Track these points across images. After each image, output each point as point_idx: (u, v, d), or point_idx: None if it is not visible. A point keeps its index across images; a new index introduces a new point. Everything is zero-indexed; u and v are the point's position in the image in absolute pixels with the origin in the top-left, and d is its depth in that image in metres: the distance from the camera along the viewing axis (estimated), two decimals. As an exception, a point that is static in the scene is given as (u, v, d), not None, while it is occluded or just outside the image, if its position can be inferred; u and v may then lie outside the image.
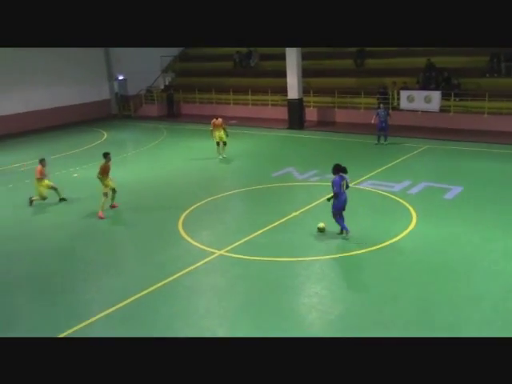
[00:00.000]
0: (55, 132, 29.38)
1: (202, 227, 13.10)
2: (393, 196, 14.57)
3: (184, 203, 14.81)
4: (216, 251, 11.39)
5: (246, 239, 11.96)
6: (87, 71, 33.12)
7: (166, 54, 35.56)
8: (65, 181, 16.17)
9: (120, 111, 34.98)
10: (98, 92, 34.37)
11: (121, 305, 9.28)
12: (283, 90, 27.34)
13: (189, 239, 12.19)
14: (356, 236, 11.85)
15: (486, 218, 12.57)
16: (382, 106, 21.98)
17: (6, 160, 21.78)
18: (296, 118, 26.42)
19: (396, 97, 25.95)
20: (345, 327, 8.33)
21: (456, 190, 14.83)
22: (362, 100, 26.86)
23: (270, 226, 12.64)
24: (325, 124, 27.25)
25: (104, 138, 26.94)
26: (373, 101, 26.12)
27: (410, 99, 25.08)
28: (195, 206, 14.63)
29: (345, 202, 11.59)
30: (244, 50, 33.21)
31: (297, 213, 13.41)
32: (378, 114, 21.54)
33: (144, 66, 33.72)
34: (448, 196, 14.42)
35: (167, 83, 36.46)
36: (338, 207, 11.58)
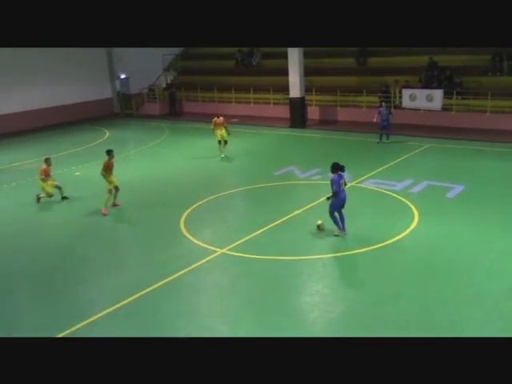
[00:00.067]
0: (57, 131, 29.41)
1: (204, 226, 13.12)
2: (394, 195, 14.56)
3: (186, 202, 14.83)
4: (218, 250, 11.41)
5: (247, 238, 11.97)
6: (89, 70, 33.13)
7: (168, 53, 35.55)
8: (67, 179, 16.20)
9: (122, 110, 35.00)
10: (100, 91, 34.38)
11: (123, 303, 9.30)
12: (285, 89, 27.33)
13: (191, 238, 12.21)
14: (358, 235, 11.87)
15: (487, 217, 12.56)
16: (384, 104, 21.97)
17: (7, 159, 21.81)
18: (298, 116, 26.41)
19: (398, 95, 25.92)
20: (346, 326, 8.35)
21: (458, 189, 14.82)
22: (364, 98, 26.81)
23: (272, 225, 12.65)
24: (327, 122, 27.23)
25: (106, 136, 26.96)
26: (375, 99, 26.08)
27: (412, 98, 25.05)
28: (197, 204, 14.64)
29: (344, 200, 11.60)
30: (246, 48, 33.17)
31: (299, 211, 13.42)
32: (379, 112, 21.52)
33: (146, 65, 33.71)
34: (450, 195, 14.41)
35: (169, 82, 36.47)
36: (337, 206, 11.60)
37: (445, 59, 25.00)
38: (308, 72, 26.82)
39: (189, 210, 14.18)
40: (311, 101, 28.02)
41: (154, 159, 21.28)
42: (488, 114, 23.35)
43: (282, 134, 25.33)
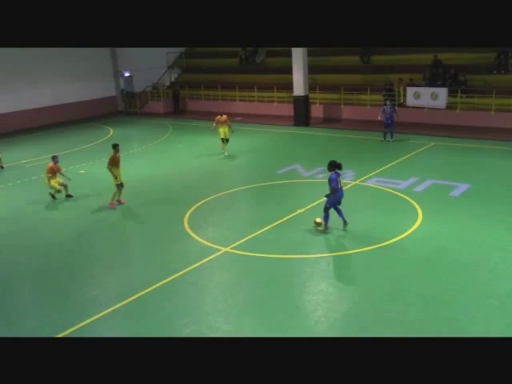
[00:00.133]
0: (61, 129, 29.48)
1: (208, 224, 13.12)
2: (398, 193, 14.52)
3: (190, 200, 14.83)
4: (221, 248, 11.40)
5: (251, 236, 11.96)
6: (93, 68, 33.19)
7: (172, 51, 35.57)
8: (71, 177, 16.20)
9: (126, 108, 35.06)
10: (104, 89, 34.42)
11: (127, 301, 9.31)
12: (289, 87, 27.30)
13: (194, 236, 12.21)
14: (361, 233, 11.85)
15: (492, 216, 12.51)
16: (388, 102, 21.92)
17: (12, 156, 21.85)
18: (302, 114, 26.38)
19: (402, 93, 25.85)
20: (350, 325, 8.33)
21: (462, 188, 14.77)
22: (368, 97, 26.76)
23: (276, 223, 12.63)
24: (331, 121, 27.19)
25: (110, 134, 27.00)
26: (379, 97, 26.02)
27: (417, 96, 24.98)
28: (201, 202, 14.64)
29: (341, 197, 11.74)
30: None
31: (302, 210, 13.39)
32: (384, 110, 21.48)
33: (150, 63, 33.73)
34: (454, 193, 14.36)
35: (173, 80, 36.47)
36: (333, 203, 11.73)
37: (449, 57, 24.91)
38: (312, 70, 26.79)
39: (193, 208, 14.18)
40: (315, 99, 27.98)
41: (157, 157, 21.30)
42: (493, 112, 23.26)
43: (286, 133, 25.30)
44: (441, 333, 7.83)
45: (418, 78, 25.72)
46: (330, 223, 12.04)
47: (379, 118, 21.74)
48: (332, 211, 11.86)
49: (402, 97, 25.89)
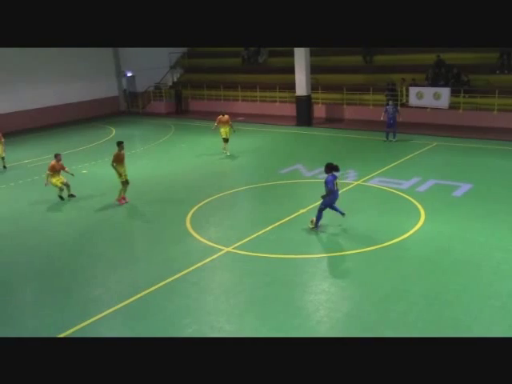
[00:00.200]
0: (63, 128, 29.52)
1: (210, 224, 13.12)
2: (401, 193, 14.51)
3: (192, 199, 14.84)
4: (224, 248, 11.41)
5: (253, 236, 11.96)
6: (95, 68, 33.23)
7: (174, 51, 35.58)
8: (73, 177, 16.22)
9: (128, 108, 35.08)
10: (107, 89, 34.45)
11: (129, 301, 9.32)
12: (291, 87, 27.29)
13: (197, 236, 12.21)
14: (364, 233, 11.85)
15: (495, 216, 12.49)
16: (390, 102, 21.89)
17: (14, 156, 21.87)
18: (304, 114, 26.37)
19: (405, 93, 25.82)
20: (352, 325, 8.32)
21: (465, 188, 14.75)
22: (371, 97, 26.73)
23: (278, 223, 12.63)
24: (333, 121, 27.17)
25: (112, 134, 27.02)
26: (381, 97, 26.02)
27: (419, 96, 24.95)
28: (203, 202, 14.64)
29: (335, 199, 11.90)
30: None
31: (304, 210, 13.38)
32: (386, 110, 21.46)
33: (152, 63, 33.76)
34: (457, 193, 14.34)
35: (175, 80, 36.49)
36: (328, 204, 11.86)
37: (452, 57, 24.87)
38: (314, 70, 26.78)
39: (195, 207, 14.19)
40: (317, 99, 27.97)
41: (160, 157, 21.32)
42: (495, 112, 23.23)
43: (288, 133, 25.29)
44: (443, 333, 7.82)
45: (421, 77, 25.70)
46: (331, 224, 12.03)
47: (382, 118, 21.73)
48: (327, 211, 11.97)
49: (404, 97, 25.86)
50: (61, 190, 15.36)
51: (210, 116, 26.93)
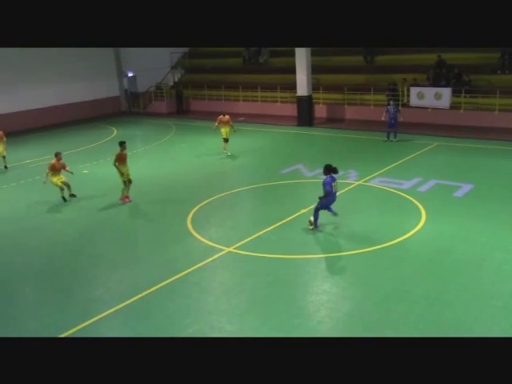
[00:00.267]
0: (65, 129, 29.54)
1: (211, 224, 13.12)
2: (402, 193, 14.50)
3: (193, 200, 14.84)
4: (225, 248, 11.41)
5: (254, 236, 11.96)
6: (97, 68, 33.25)
7: (176, 51, 35.59)
8: (74, 177, 16.24)
9: (129, 108, 35.10)
10: (108, 89, 34.47)
11: (130, 301, 9.32)
12: (292, 87, 27.29)
13: (197, 236, 12.21)
14: (365, 234, 11.85)
15: (496, 216, 12.48)
16: (391, 102, 21.88)
17: (15, 157, 21.89)
18: (305, 114, 26.37)
19: (406, 93, 25.80)
20: (353, 325, 8.31)
21: (466, 188, 14.74)
22: (372, 97, 26.73)
23: (279, 223, 12.63)
24: (334, 121, 27.17)
25: (113, 134, 27.03)
26: (382, 98, 26.01)
27: (420, 96, 24.93)
28: (204, 202, 14.64)
29: (333, 201, 11.91)
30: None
31: (306, 210, 13.37)
32: (387, 110, 21.45)
33: (153, 63, 33.76)
34: (458, 194, 14.33)
35: (176, 80, 36.50)
36: (325, 205, 11.90)
37: (453, 57, 24.85)
38: (315, 70, 26.77)
39: (196, 207, 14.19)
40: (318, 99, 27.96)
41: (161, 157, 21.32)
42: (497, 112, 23.21)
43: (289, 133, 25.29)
44: (444, 333, 7.81)
45: (422, 78, 25.69)
46: (332, 224, 12.04)
47: (383, 119, 21.73)
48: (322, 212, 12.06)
49: (405, 97, 25.85)
50: (61, 189, 15.36)
51: (211, 116, 26.91)
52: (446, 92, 24.24)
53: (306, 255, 10.95)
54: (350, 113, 27.49)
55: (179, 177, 18.04)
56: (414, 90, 25.17)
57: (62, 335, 8.33)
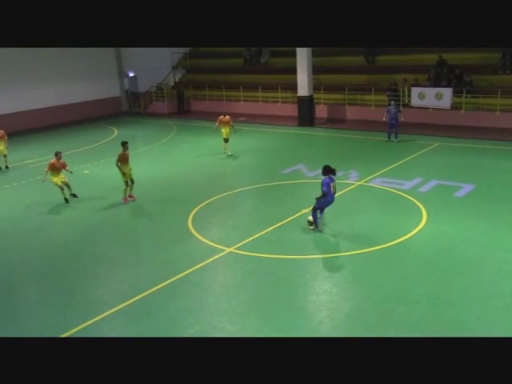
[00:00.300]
0: (66, 129, 29.56)
1: (212, 224, 13.12)
2: (403, 194, 14.49)
3: (194, 200, 14.84)
4: (226, 248, 11.40)
5: (255, 236, 11.96)
6: (98, 68, 33.26)
7: (176, 51, 35.61)
8: (75, 177, 16.25)
9: (130, 108, 35.11)
10: (109, 89, 34.48)
11: (131, 301, 9.32)
12: (293, 87, 27.28)
13: (199, 236, 12.21)
14: (366, 234, 11.84)
15: (497, 217, 12.47)
16: (392, 103, 21.87)
17: (16, 157, 21.91)
18: (306, 115, 26.37)
19: (407, 94, 25.79)
20: (354, 325, 8.31)
21: (467, 188, 14.73)
22: (373, 97, 26.72)
23: (280, 224, 12.62)
24: (335, 121, 27.16)
25: (114, 134, 27.05)
26: (383, 98, 26.01)
27: (421, 96, 24.91)
28: (205, 202, 14.64)
29: (331, 202, 11.89)
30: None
31: (306, 210, 13.35)
32: (388, 111, 21.44)
33: (154, 63, 33.78)
34: (459, 194, 14.32)
35: (177, 80, 36.51)
36: (322, 206, 11.90)
37: (454, 57, 24.84)
38: (316, 70, 26.76)
39: (197, 208, 14.19)
40: (319, 99, 27.96)
41: (161, 157, 21.33)
42: (498, 112, 23.19)
43: (290, 133, 25.29)
44: (445, 333, 7.80)
45: (423, 78, 25.67)
46: (333, 224, 12.04)
47: (384, 119, 21.72)
48: (327, 212, 12.02)
49: (406, 97, 25.83)
50: (61, 189, 15.33)
51: (212, 116, 26.92)
52: (447, 92, 24.23)
53: (307, 255, 10.94)
54: (351, 113, 27.48)
55: (180, 177, 18.04)
56: (414, 91, 25.16)
57: (64, 335, 8.33)
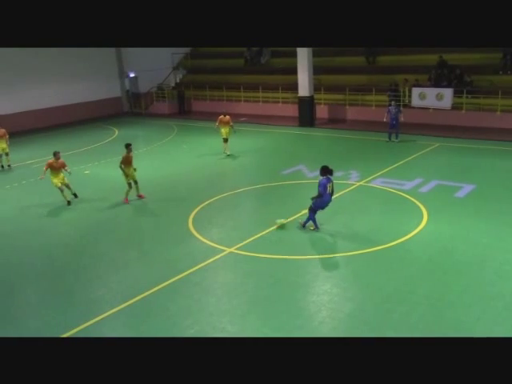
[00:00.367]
0: (66, 129, 29.57)
1: (213, 224, 13.12)
2: (403, 194, 14.49)
3: (194, 200, 14.85)
4: (226, 248, 11.41)
5: (256, 237, 11.96)
6: (98, 69, 33.26)
7: (177, 52, 35.62)
8: (76, 178, 16.26)
9: (131, 108, 35.12)
10: (109, 89, 34.48)
11: (131, 301, 9.33)
12: (294, 88, 27.28)
13: (199, 236, 12.22)
14: (366, 234, 11.84)
15: (497, 217, 12.46)
16: (393, 103, 21.87)
17: (17, 157, 21.92)
18: (307, 115, 26.36)
19: (407, 94, 25.79)
20: (354, 325, 8.31)
21: (468, 188, 14.73)
22: (374, 97, 26.71)
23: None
24: (336, 122, 27.16)
25: (115, 135, 27.06)
26: (384, 98, 26.00)
27: (422, 96, 24.90)
28: (205, 203, 14.65)
29: (327, 203, 11.87)
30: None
31: (307, 211, 13.35)
32: (389, 111, 21.44)
33: (155, 64, 33.80)
34: (459, 194, 14.32)
35: (178, 80, 36.52)
36: (319, 206, 11.89)
37: (455, 58, 24.84)
38: (317, 71, 26.76)
39: (197, 208, 14.20)
40: (320, 100, 27.96)
41: (162, 158, 21.34)
42: (498, 112, 23.18)
43: (291, 133, 25.29)
44: (445, 334, 7.80)
45: (424, 78, 25.66)
46: (333, 225, 12.04)
47: (385, 119, 21.72)
48: (327, 212, 12.05)
49: (407, 97, 25.83)
50: (61, 190, 15.28)
51: (213, 117, 26.87)
52: (448, 92, 24.22)
53: (307, 256, 10.95)
54: (352, 113, 27.48)
55: (181, 177, 18.05)
56: (415, 91, 25.15)
57: (64, 335, 8.34)
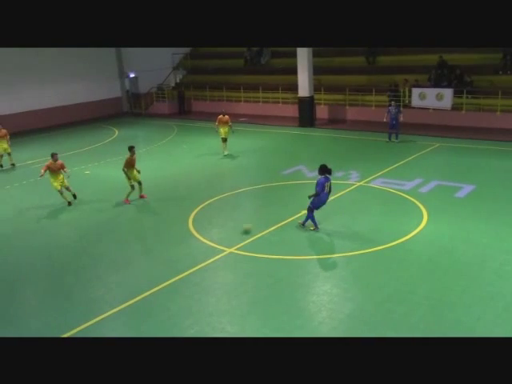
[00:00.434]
0: (66, 130, 29.56)
1: (213, 225, 13.12)
2: (403, 194, 14.49)
3: (194, 200, 14.84)
4: (226, 249, 11.41)
5: (256, 237, 11.96)
6: (98, 69, 33.28)
7: (177, 52, 35.63)
8: (76, 178, 16.25)
9: (131, 109, 35.12)
10: (109, 90, 34.49)
11: (131, 302, 9.33)
12: (294, 88, 27.28)
13: (199, 237, 12.21)
14: (366, 235, 11.84)
15: (497, 217, 12.46)
16: (393, 103, 21.87)
17: (19, 157, 21.90)
18: (307, 115, 26.36)
19: (407, 94, 25.79)
20: (354, 326, 8.31)
21: (468, 189, 14.73)
22: (373, 98, 26.72)
23: (280, 224, 12.62)
24: (336, 122, 27.16)
25: (115, 135, 27.06)
26: (384, 98, 26.01)
27: (422, 97, 24.90)
28: (205, 203, 14.65)
29: (324, 202, 11.92)
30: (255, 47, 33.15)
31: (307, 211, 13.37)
32: (389, 111, 21.44)
33: (155, 64, 33.80)
34: (459, 194, 14.32)
35: (178, 81, 36.53)
36: (316, 205, 11.91)
37: (455, 58, 24.84)
38: (317, 71, 26.76)
39: (197, 208, 14.19)
40: (320, 100, 27.96)
41: (162, 158, 21.33)
42: (498, 113, 23.18)
43: (291, 134, 25.29)
44: (446, 334, 7.80)
45: (424, 78, 25.66)
46: (333, 225, 12.03)
47: (385, 120, 21.72)
48: (326, 212, 12.02)
49: (407, 97, 25.83)
50: (60, 193, 15.23)
51: (213, 117, 26.80)
52: (448, 93, 24.22)
53: (307, 256, 10.95)
54: (352, 114, 27.48)
55: (181, 177, 18.05)
56: (415, 91, 25.15)
57: (65, 335, 8.34)
